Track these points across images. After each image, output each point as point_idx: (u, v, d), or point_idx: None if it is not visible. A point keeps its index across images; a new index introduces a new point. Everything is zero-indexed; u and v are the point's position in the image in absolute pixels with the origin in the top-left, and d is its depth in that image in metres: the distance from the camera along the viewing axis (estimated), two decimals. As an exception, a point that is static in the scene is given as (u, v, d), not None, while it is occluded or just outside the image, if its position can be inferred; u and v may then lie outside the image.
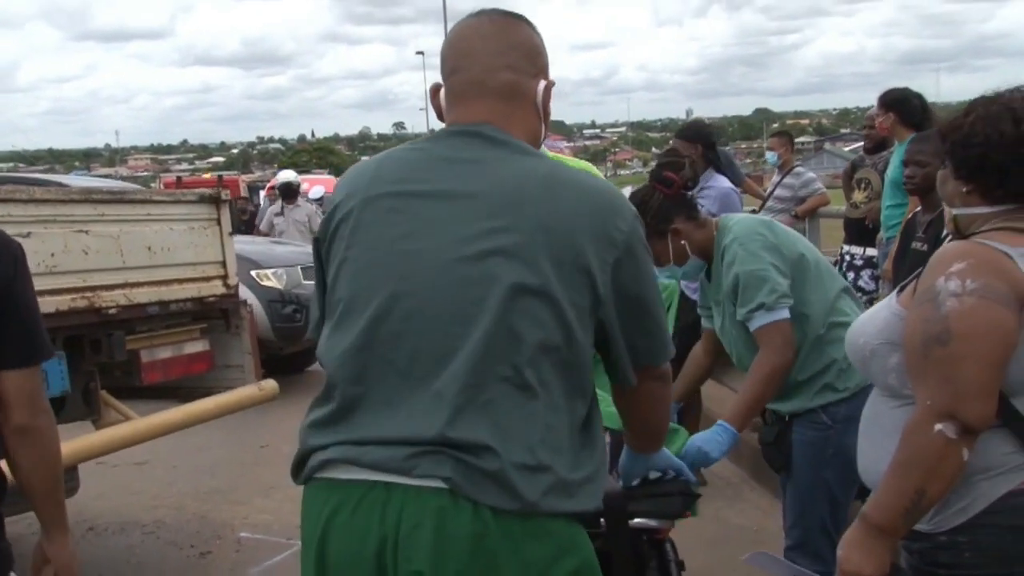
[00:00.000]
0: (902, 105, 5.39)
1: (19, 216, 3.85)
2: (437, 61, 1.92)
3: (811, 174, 7.44)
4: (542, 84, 1.87)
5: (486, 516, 1.61)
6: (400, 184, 1.78)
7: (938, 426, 1.81)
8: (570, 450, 1.70)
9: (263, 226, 11.94)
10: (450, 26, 1.98)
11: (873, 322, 2.08)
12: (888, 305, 2.07)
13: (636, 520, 2.35)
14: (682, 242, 3.06)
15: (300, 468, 1.77)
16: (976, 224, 1.99)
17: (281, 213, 11.77)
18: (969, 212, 2.01)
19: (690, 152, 5.42)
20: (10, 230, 3.73)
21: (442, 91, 1.90)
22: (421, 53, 58.32)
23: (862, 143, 6.82)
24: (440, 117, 1.91)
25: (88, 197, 4.30)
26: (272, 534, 5.12)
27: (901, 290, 2.06)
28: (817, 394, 2.99)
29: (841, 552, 1.95)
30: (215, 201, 4.80)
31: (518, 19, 1.90)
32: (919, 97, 5.44)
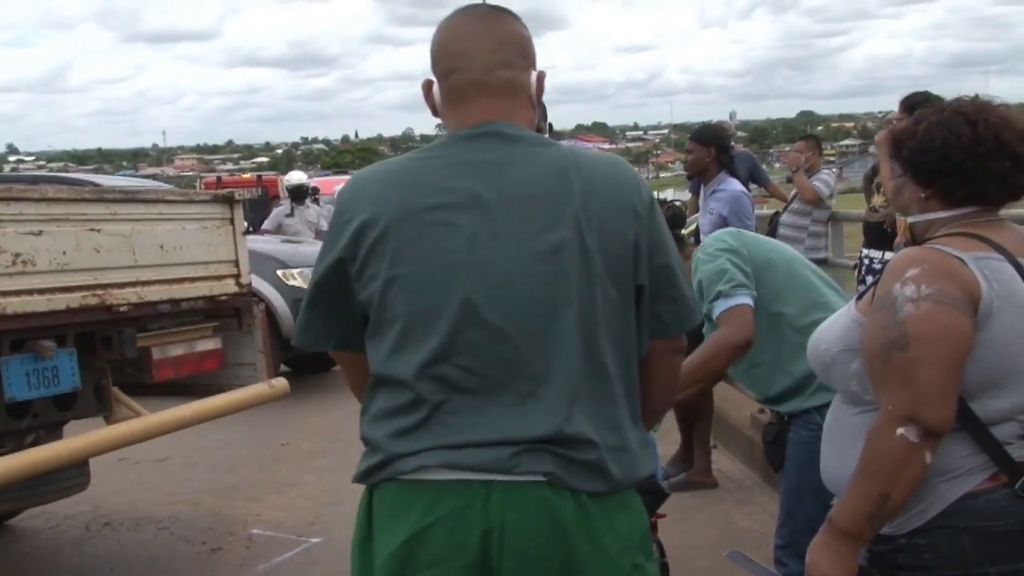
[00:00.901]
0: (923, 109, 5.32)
1: (31, 215, 3.91)
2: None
3: (826, 175, 7.34)
4: (534, 75, 1.92)
5: (584, 500, 1.73)
6: (436, 196, 1.79)
7: (900, 430, 1.84)
8: (632, 424, 1.85)
9: (270, 226, 11.94)
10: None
11: (834, 329, 2.10)
12: (848, 312, 2.09)
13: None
14: None
15: (377, 471, 1.80)
16: (931, 231, 2.03)
17: (292, 214, 11.85)
18: (924, 218, 2.05)
19: (703, 155, 5.42)
20: (22, 228, 3.87)
21: (435, 87, 1.92)
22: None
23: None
24: (434, 113, 1.94)
25: (100, 196, 4.37)
26: (284, 531, 5.18)
27: (860, 297, 2.08)
28: (812, 395, 3.00)
29: (809, 557, 1.97)
30: (228, 201, 4.86)
31: (505, 13, 1.93)
32: (941, 101, 5.36)
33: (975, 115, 2.00)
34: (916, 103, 5.40)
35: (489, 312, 1.74)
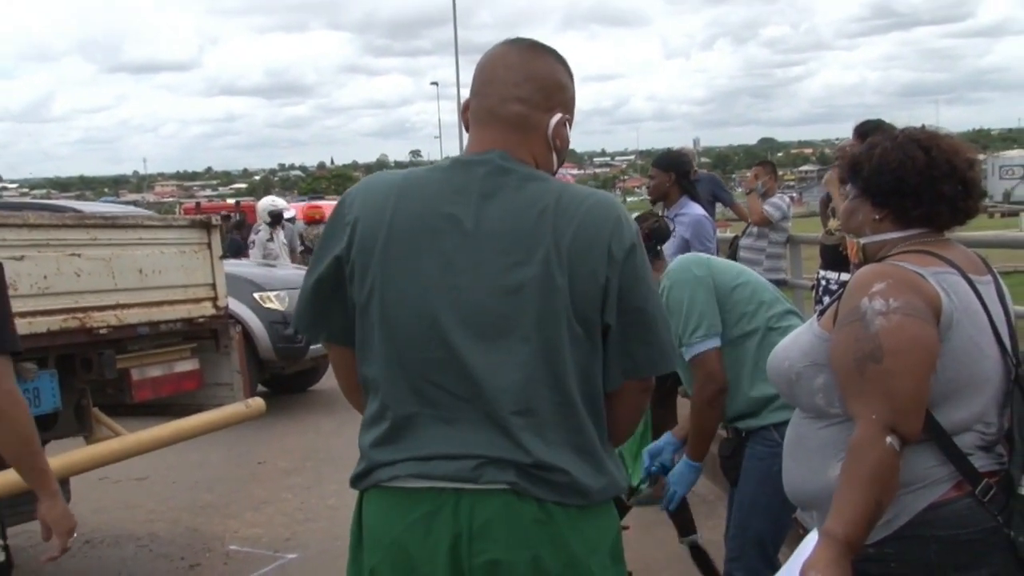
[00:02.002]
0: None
1: (13, 240, 4.07)
2: (452, 91, 2.08)
3: (778, 199, 7.54)
4: (555, 118, 1.94)
5: (550, 508, 1.81)
6: (425, 217, 1.87)
7: (888, 439, 1.90)
8: (603, 445, 1.90)
9: (259, 253, 12.03)
10: (463, 58, 2.11)
11: (797, 345, 2.17)
12: (810, 328, 2.16)
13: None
14: None
15: (363, 478, 1.91)
16: (884, 251, 2.12)
17: (272, 239, 12.01)
18: (878, 239, 2.14)
19: (664, 180, 5.60)
20: (4, 254, 4.03)
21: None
22: (435, 84, 58.89)
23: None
24: (467, 131, 2.01)
25: (81, 222, 4.51)
26: (260, 547, 5.29)
27: (821, 314, 2.16)
28: (772, 412, 3.10)
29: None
30: (206, 226, 5.02)
31: (545, 52, 1.97)
32: (893, 128, 5.56)
33: (927, 142, 2.10)
34: (869, 130, 5.61)
35: (455, 336, 1.82)
